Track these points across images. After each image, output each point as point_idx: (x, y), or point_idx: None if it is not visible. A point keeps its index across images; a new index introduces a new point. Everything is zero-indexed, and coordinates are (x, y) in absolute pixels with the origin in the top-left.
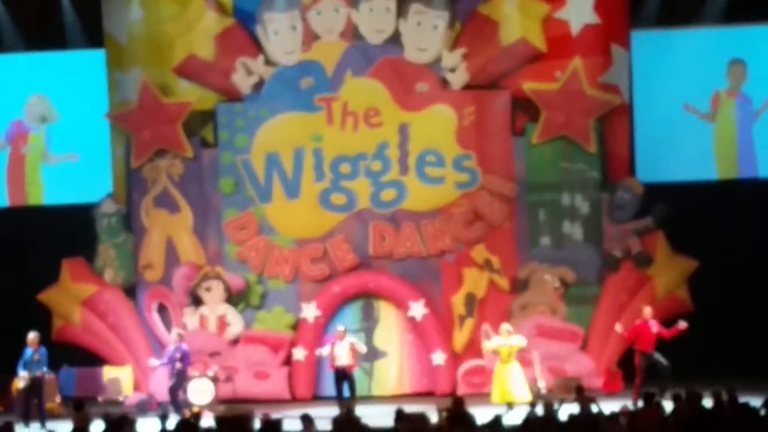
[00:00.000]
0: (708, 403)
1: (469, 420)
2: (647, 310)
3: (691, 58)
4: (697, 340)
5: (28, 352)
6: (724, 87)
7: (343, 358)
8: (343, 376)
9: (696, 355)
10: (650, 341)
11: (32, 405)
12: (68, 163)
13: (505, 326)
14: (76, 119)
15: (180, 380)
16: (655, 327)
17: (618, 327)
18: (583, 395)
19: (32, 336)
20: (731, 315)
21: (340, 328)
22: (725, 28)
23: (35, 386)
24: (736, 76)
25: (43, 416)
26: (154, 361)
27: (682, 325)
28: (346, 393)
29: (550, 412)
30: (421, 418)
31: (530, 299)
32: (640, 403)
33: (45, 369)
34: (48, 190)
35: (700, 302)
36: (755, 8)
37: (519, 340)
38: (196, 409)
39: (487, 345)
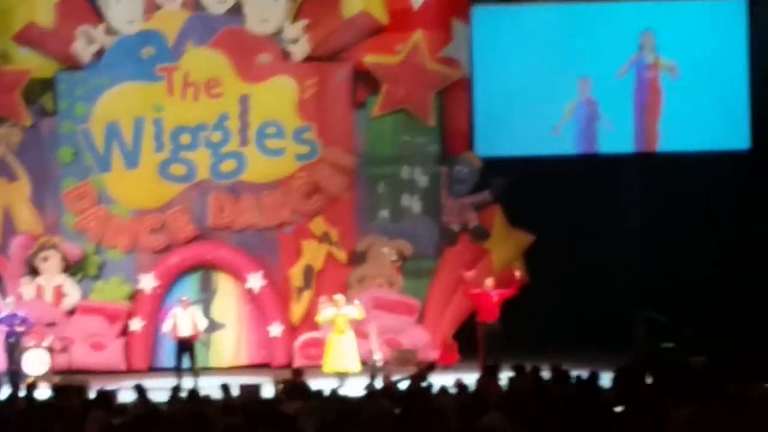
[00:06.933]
0: (545, 375)
1: (306, 391)
2: (488, 282)
3: (532, 34)
4: (533, 314)
5: None
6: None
7: (186, 329)
8: (185, 347)
9: (533, 328)
10: (491, 312)
11: None
12: None
13: (338, 297)
14: None
15: (20, 347)
16: (495, 297)
17: (469, 274)
18: (421, 370)
19: None
20: (567, 288)
21: (185, 297)
22: (568, 4)
23: None
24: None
25: None
26: None
27: (517, 274)
28: (186, 364)
29: (390, 385)
30: (255, 389)
31: (368, 272)
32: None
33: None
34: None
35: (536, 276)
36: None
37: (351, 311)
38: (30, 380)
39: (321, 317)
